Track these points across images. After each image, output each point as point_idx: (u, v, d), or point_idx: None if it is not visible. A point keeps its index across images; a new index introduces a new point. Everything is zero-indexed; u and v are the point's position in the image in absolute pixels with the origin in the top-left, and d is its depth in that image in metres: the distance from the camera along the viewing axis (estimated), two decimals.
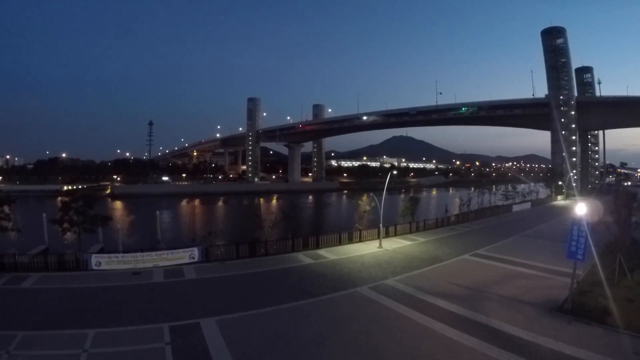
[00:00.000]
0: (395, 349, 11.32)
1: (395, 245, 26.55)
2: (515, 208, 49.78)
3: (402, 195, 41.54)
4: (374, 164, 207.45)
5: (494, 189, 60.21)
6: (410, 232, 31.38)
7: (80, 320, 13.45)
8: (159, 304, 15.19)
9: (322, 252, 24.23)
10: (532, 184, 75.10)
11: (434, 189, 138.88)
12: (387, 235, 28.93)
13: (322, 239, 25.95)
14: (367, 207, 31.71)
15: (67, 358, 10.61)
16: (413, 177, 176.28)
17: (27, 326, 12.86)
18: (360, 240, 27.48)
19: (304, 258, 22.70)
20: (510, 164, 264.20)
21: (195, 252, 21.54)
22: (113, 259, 20.36)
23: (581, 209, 14.18)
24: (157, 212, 40.03)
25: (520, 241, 28.36)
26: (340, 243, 26.48)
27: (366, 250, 24.91)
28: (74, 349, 11.13)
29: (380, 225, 26.54)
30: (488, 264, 21.58)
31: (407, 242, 27.57)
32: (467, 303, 15.04)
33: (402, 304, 15.08)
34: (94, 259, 20.16)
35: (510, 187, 61.72)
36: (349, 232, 27.84)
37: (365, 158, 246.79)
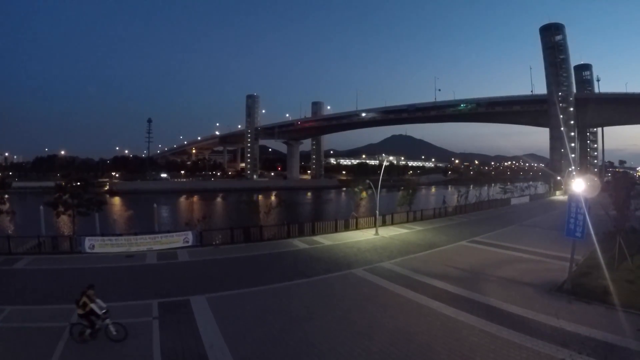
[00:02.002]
0: (390, 324, 11.07)
1: (392, 233, 26.36)
2: (514, 201, 49.66)
3: (401, 193, 41.39)
4: (372, 162, 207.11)
5: (492, 186, 60.14)
6: (408, 221, 31.20)
7: (69, 296, 13.13)
8: (150, 283, 15.03)
9: (317, 238, 24.04)
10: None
11: (433, 187, 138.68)
12: (384, 224, 28.74)
13: (318, 226, 25.77)
14: (365, 195, 31.52)
15: (51, 330, 10.39)
16: (412, 175, 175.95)
17: (15, 301, 12.74)
18: (356, 228, 27.31)
19: (299, 243, 22.50)
20: (510, 162, 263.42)
21: (189, 235, 21.37)
22: (107, 242, 20.20)
23: (579, 185, 13.94)
24: (155, 205, 39.90)
25: (518, 230, 28.16)
26: (336, 230, 26.31)
27: (362, 237, 24.70)
28: (60, 322, 10.92)
29: (377, 212, 26.34)
30: (486, 249, 21.37)
31: (404, 230, 27.38)
32: (465, 284, 14.80)
33: (397, 284, 14.85)
34: (88, 241, 20.01)
35: (508, 184, 61.66)
36: (345, 220, 27.69)
37: (364, 156, 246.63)
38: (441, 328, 10.82)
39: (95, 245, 19.98)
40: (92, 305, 9.72)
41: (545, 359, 8.93)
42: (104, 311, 9.84)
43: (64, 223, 32.62)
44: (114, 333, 9.73)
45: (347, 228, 27.07)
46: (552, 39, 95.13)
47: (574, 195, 14.06)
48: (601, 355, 9.05)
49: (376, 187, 27.26)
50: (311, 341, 9.95)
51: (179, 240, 21.16)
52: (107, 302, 12.61)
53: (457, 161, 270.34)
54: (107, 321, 9.82)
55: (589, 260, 17.62)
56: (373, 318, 11.53)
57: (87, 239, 20.22)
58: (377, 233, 25.47)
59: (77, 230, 24.40)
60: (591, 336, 10.16)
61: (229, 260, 18.90)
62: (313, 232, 25.14)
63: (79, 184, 26.08)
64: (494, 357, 9.11)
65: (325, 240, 23.57)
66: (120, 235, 21.07)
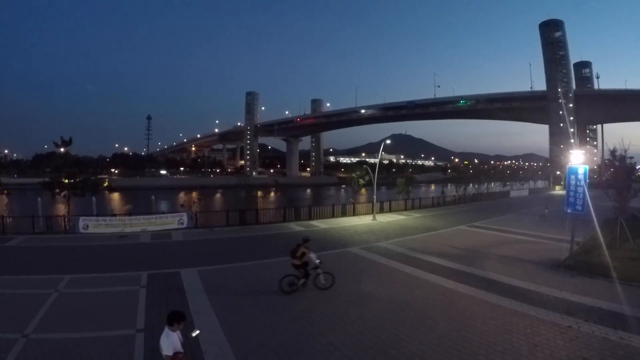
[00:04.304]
0: (386, 295, 10.73)
1: (389, 218, 26.13)
2: (513, 194, 49.51)
3: (399, 180, 41.32)
4: (372, 160, 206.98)
5: (492, 185, 60.17)
6: (406, 209, 31.04)
7: (59, 268, 13.15)
8: (142, 258, 14.90)
9: (314, 222, 23.87)
10: None
11: (432, 185, 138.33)
12: (381, 211, 28.63)
13: (315, 211, 25.58)
14: (362, 181, 31.30)
15: (36, 296, 10.06)
16: (411, 173, 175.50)
17: (4, 272, 12.48)
18: (354, 214, 27.11)
19: (295, 227, 22.29)
20: (509, 162, 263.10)
21: (184, 217, 21.18)
22: (101, 222, 20.07)
23: (577, 157, 13.63)
24: (152, 197, 39.83)
25: (517, 217, 27.89)
26: (333, 216, 26.09)
27: (359, 222, 24.47)
28: (46, 289, 10.63)
29: (374, 197, 26.14)
30: (485, 232, 21.12)
31: (402, 217, 27.15)
32: (464, 261, 14.48)
33: (394, 260, 14.56)
34: (82, 221, 19.84)
35: (508, 183, 61.66)
36: (342, 205, 27.48)
37: (363, 154, 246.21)
38: (439, 298, 10.49)
39: (89, 225, 19.76)
40: (311, 255, 10.62)
41: (549, 326, 8.56)
42: (318, 261, 10.62)
43: (61, 211, 32.37)
44: (323, 282, 10.70)
45: (344, 214, 26.87)
46: (552, 35, 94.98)
47: (573, 168, 13.74)
48: (609, 323, 8.68)
49: (374, 174, 27.07)
50: (301, 308, 9.62)
51: (174, 221, 20.93)
52: (96, 273, 12.51)
53: (456, 160, 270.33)
54: (319, 270, 10.68)
55: (590, 241, 17.32)
56: (368, 288, 11.20)
57: (81, 218, 20.04)
58: (374, 218, 25.26)
59: (73, 213, 24.20)
60: (597, 306, 9.81)
61: (223, 240, 18.73)
62: (310, 217, 24.92)
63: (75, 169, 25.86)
64: (495, 324, 8.74)
65: (322, 224, 23.34)
66: (115, 215, 20.83)
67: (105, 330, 8.05)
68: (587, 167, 13.63)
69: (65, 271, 12.54)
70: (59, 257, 15.07)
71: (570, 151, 14.73)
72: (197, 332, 5.36)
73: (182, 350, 4.98)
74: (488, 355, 7.26)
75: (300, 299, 10.23)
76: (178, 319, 4.96)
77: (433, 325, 8.66)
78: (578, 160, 13.61)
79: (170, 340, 4.86)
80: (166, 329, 4.94)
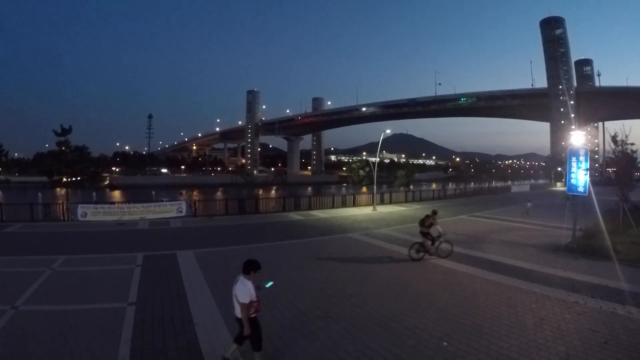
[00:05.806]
0: (384, 273, 10.56)
1: (390, 209, 25.98)
2: (514, 189, 49.34)
3: (399, 172, 41.12)
4: (373, 159, 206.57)
5: (493, 183, 60.26)
6: (406, 201, 30.82)
7: (55, 250, 13.02)
8: (139, 241, 14.84)
9: (314, 212, 23.71)
10: None
11: (433, 184, 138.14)
12: (382, 202, 28.41)
13: (314, 202, 25.38)
14: (362, 172, 31.11)
15: (29, 274, 9.87)
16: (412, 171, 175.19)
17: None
18: (354, 205, 26.95)
19: (294, 216, 22.15)
20: (511, 161, 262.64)
21: (183, 205, 21.04)
22: (99, 210, 19.92)
23: (578, 138, 13.38)
24: (153, 192, 39.92)
25: (517, 208, 27.55)
26: (333, 207, 25.91)
27: (360, 212, 24.28)
28: (40, 268, 10.46)
29: (374, 187, 25.92)
30: (485, 221, 20.91)
31: (402, 208, 27.00)
32: (465, 245, 14.19)
33: (394, 244, 14.36)
34: (80, 209, 19.69)
35: (509, 182, 61.69)
36: (342, 197, 27.31)
37: (364, 153, 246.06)
38: (440, 276, 10.29)
39: (88, 213, 19.61)
40: (436, 226, 11.98)
41: (555, 302, 8.34)
42: (441, 230, 12.04)
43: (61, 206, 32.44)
44: (446, 250, 11.95)
45: (344, 205, 26.76)
46: (553, 33, 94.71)
47: (574, 149, 13.48)
48: (616, 299, 8.46)
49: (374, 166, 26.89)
50: (299, 285, 9.39)
51: (173, 210, 20.80)
52: (92, 254, 12.31)
53: (457, 159, 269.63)
54: (442, 239, 12.01)
55: (593, 227, 17.09)
56: (366, 268, 11.06)
57: (79, 206, 19.91)
58: (374, 209, 25.07)
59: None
60: (602, 284, 9.58)
61: (221, 227, 18.65)
62: (309, 208, 24.77)
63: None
64: (499, 299, 8.50)
65: (322, 214, 23.21)
66: (113, 203, 20.69)
67: (97, 303, 7.87)
68: (588, 148, 13.39)
69: (61, 252, 12.42)
70: (56, 241, 14.97)
71: (571, 132, 14.50)
72: (271, 283, 5.28)
73: (256, 299, 4.98)
74: (492, 327, 7.03)
75: (296, 277, 10.02)
76: (255, 267, 4.96)
77: (434, 301, 8.43)
78: (579, 141, 13.37)
79: (247, 288, 4.88)
80: (241, 278, 4.94)
